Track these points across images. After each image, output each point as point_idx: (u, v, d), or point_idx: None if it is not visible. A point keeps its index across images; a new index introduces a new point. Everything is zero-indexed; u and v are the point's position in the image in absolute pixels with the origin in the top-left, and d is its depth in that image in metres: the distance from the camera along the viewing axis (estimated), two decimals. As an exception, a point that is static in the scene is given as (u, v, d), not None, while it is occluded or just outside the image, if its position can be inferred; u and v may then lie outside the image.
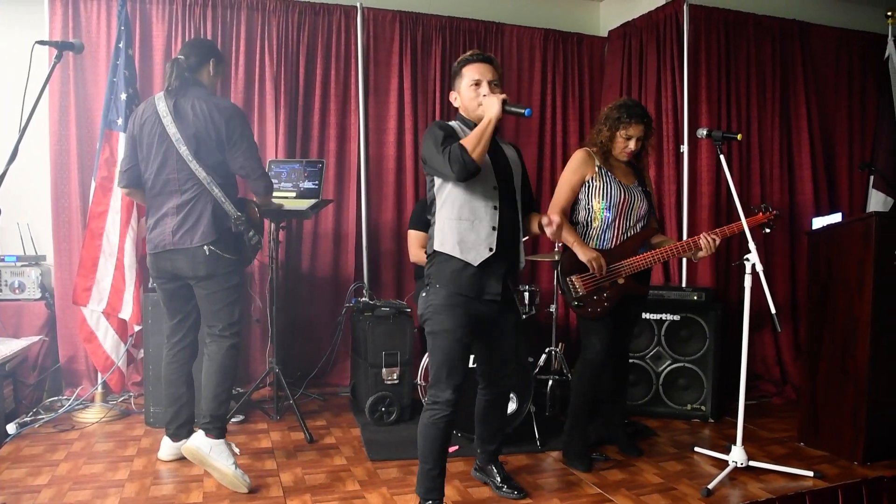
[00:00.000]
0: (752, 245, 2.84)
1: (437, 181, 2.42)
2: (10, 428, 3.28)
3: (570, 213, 3.04)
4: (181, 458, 2.94)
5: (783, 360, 4.49)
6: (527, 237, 2.61)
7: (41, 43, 2.24)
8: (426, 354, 3.32)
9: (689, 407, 3.79)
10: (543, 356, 3.70)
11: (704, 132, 2.99)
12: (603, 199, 2.93)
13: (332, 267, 4.43)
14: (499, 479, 2.72)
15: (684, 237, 4.25)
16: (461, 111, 2.51)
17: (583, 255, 2.89)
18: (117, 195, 3.54)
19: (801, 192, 4.67)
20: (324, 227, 4.40)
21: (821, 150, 4.72)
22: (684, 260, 4.29)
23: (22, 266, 3.79)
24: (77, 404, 3.65)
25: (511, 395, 3.16)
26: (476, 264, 2.34)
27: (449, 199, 2.39)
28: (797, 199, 4.69)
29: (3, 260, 3.78)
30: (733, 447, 2.94)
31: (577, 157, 3.01)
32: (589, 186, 2.96)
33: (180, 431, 2.96)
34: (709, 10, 4.46)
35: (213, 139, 2.69)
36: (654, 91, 4.51)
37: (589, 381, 3.02)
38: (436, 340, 2.37)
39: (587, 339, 3.00)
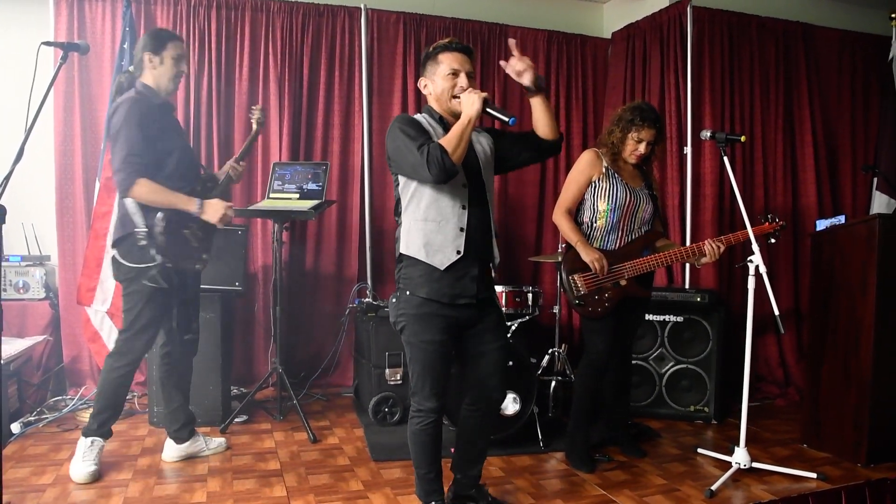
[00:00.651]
0: (755, 247, 2.84)
1: (402, 180, 2.27)
2: (15, 427, 3.29)
3: (575, 213, 3.05)
4: (185, 459, 2.98)
5: (786, 361, 4.49)
6: (498, 238, 2.39)
7: (47, 44, 2.24)
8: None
9: (692, 408, 3.78)
10: (546, 357, 3.70)
11: (708, 134, 2.99)
12: (608, 201, 2.93)
13: (335, 268, 4.43)
14: None
15: (687, 239, 4.26)
16: (431, 101, 2.32)
17: (585, 255, 2.89)
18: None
19: (805, 194, 4.67)
20: (327, 228, 4.40)
21: (824, 152, 4.72)
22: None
23: (26, 266, 3.81)
24: (81, 404, 3.65)
25: (514, 396, 3.16)
26: (443, 268, 2.19)
27: (415, 199, 2.23)
28: (800, 201, 4.68)
29: (7, 260, 3.78)
30: (736, 449, 2.94)
31: (585, 157, 3.01)
32: (595, 187, 2.96)
33: (181, 433, 2.99)
34: (712, 11, 4.46)
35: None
36: (658, 93, 4.51)
37: (591, 381, 3.03)
38: (413, 351, 2.25)
39: (590, 340, 3.00)
